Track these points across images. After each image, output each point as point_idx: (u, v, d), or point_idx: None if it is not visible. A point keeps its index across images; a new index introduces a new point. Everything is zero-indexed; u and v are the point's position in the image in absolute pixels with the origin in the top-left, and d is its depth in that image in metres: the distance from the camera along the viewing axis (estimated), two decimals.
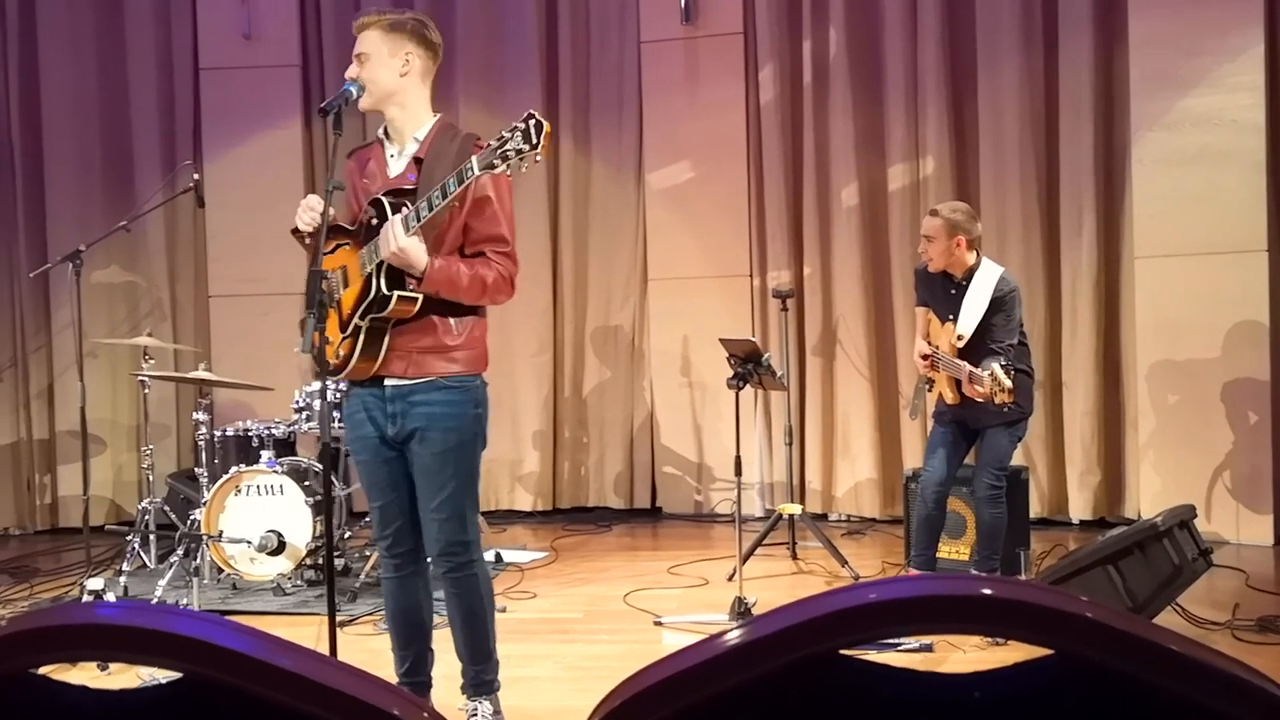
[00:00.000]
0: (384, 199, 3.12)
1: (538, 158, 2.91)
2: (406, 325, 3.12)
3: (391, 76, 3.17)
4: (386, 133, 3.28)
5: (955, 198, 6.41)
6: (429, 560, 3.31)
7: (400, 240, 2.99)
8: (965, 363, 4.37)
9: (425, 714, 0.90)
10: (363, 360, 3.13)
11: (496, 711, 3.34)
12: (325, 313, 3.02)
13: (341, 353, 3.15)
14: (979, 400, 4.34)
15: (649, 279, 6.99)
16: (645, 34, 6.92)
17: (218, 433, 5.45)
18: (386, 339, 3.12)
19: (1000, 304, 4.50)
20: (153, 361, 5.60)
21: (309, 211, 3.24)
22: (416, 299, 3.08)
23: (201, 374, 5.43)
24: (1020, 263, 6.21)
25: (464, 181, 2.93)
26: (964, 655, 3.95)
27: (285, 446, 5.46)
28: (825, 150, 6.71)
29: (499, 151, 2.88)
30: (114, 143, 7.16)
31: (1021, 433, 4.70)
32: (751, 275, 6.86)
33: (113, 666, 3.57)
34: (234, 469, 5.16)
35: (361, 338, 3.11)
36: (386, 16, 3.20)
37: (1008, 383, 4.17)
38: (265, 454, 5.21)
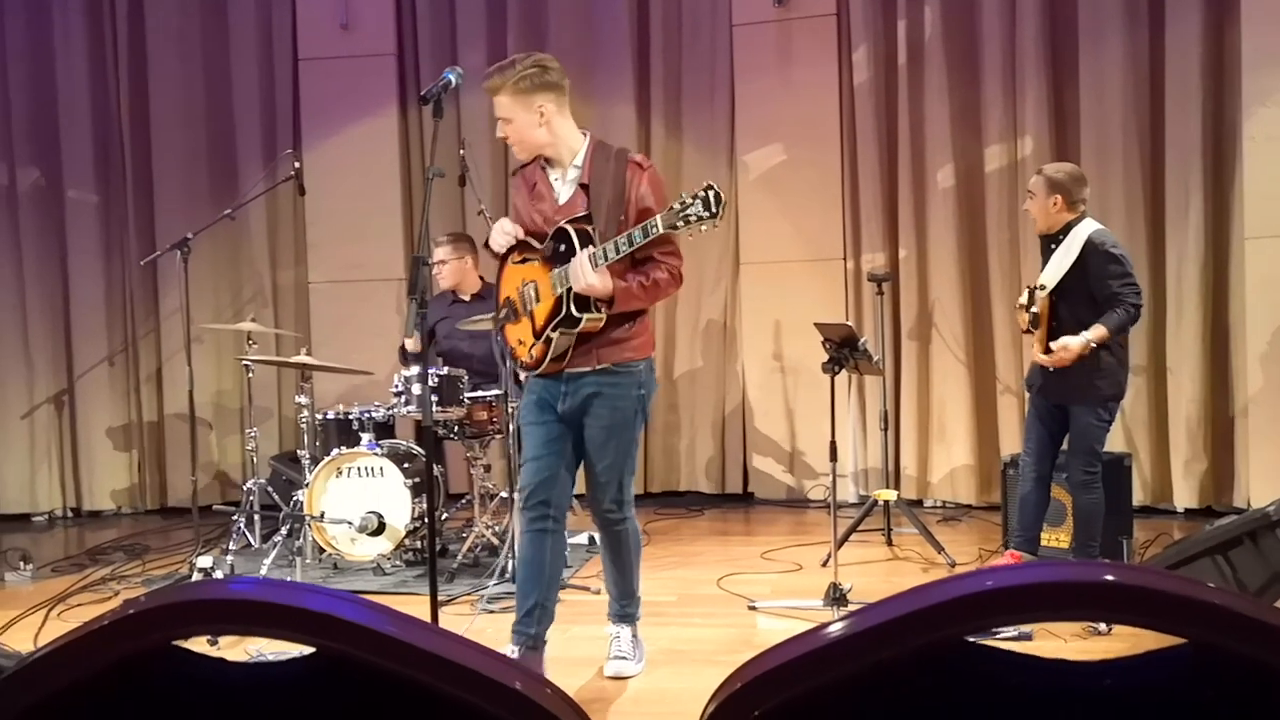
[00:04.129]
0: (569, 228, 3.50)
1: (716, 225, 3.36)
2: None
3: (534, 131, 3.56)
4: (548, 159, 3.66)
5: None
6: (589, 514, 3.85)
7: (589, 278, 3.43)
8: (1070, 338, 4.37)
9: (548, 690, 0.92)
10: (553, 363, 3.59)
11: (635, 637, 3.90)
12: (425, 299, 3.23)
13: (534, 354, 3.62)
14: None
15: (741, 263, 6.96)
16: (737, 17, 6.88)
17: (319, 416, 5.57)
18: (571, 343, 3.58)
19: (1096, 257, 4.38)
20: (256, 346, 5.75)
21: (503, 235, 3.66)
22: (602, 318, 3.54)
23: (304, 358, 5.56)
24: (1122, 245, 6.03)
25: (648, 236, 3.38)
26: (1064, 644, 3.88)
27: (385, 429, 5.57)
28: (920, 131, 6.61)
29: (681, 215, 3.32)
30: (218, 134, 7.35)
31: (1109, 413, 4.52)
32: (845, 259, 6.79)
33: (221, 641, 3.68)
34: (335, 451, 5.27)
35: (553, 346, 3.56)
36: (509, 79, 3.52)
37: (1069, 353, 4.31)
38: (365, 437, 5.31)
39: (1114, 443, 5.92)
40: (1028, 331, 4.61)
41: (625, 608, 3.90)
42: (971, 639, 0.88)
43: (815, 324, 4.85)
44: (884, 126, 6.70)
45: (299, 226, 7.34)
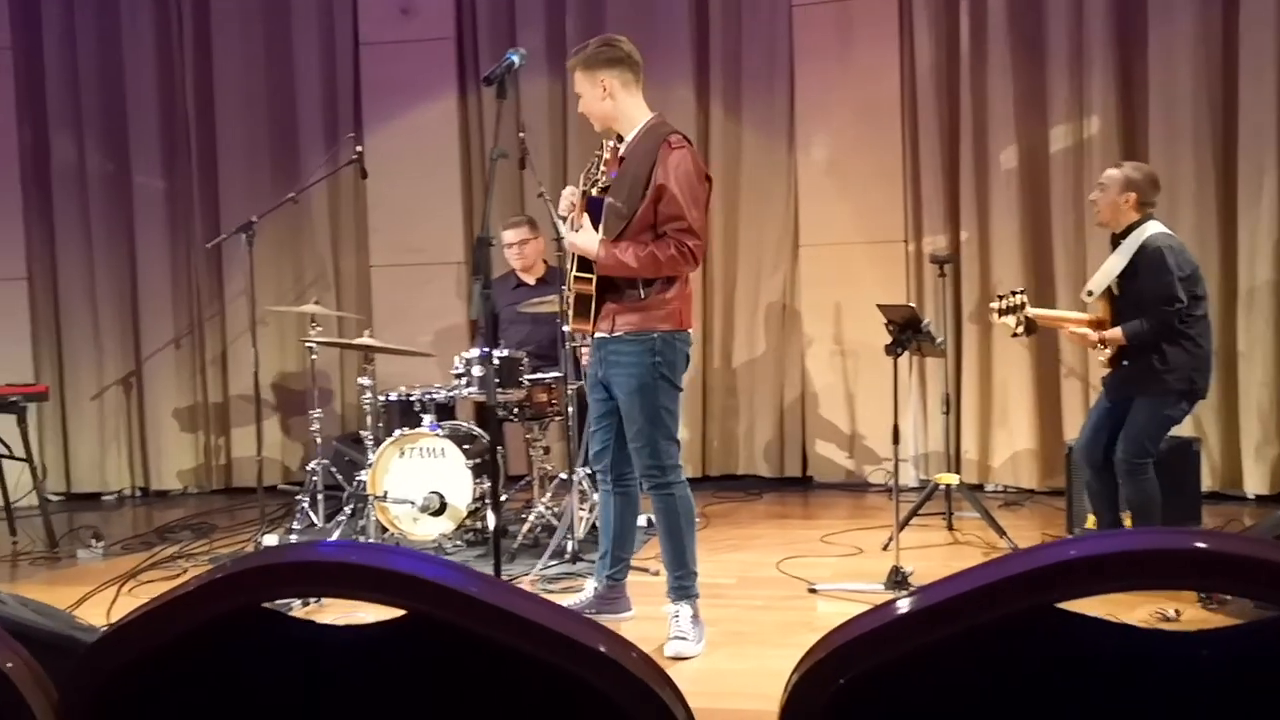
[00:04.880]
0: (593, 193, 3.85)
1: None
2: (610, 293, 3.84)
3: (599, 105, 3.85)
4: (618, 133, 3.93)
5: (1123, 158, 6.15)
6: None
7: (568, 237, 3.85)
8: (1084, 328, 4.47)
9: (632, 653, 0.92)
10: (576, 320, 3.93)
11: (695, 615, 3.93)
12: (489, 280, 3.32)
13: (568, 310, 4.01)
14: (1123, 362, 4.41)
15: (800, 245, 6.92)
16: None
17: (381, 397, 5.63)
18: (593, 303, 3.85)
19: (1145, 262, 4.33)
20: (319, 329, 5.81)
21: (564, 199, 3.96)
22: (589, 279, 3.82)
23: (367, 340, 5.61)
24: (1192, 226, 5.93)
25: (620, 211, 3.77)
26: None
27: (446, 410, 5.61)
28: (983, 111, 6.51)
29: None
30: (280, 118, 7.43)
31: (1174, 411, 4.43)
32: (906, 241, 6.73)
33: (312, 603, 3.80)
34: (397, 432, 5.33)
35: (570, 302, 3.93)
36: (580, 56, 3.87)
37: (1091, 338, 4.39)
38: (427, 418, 5.36)
39: (1182, 427, 5.79)
40: (1017, 335, 4.69)
41: (680, 580, 3.95)
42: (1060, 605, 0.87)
43: (878, 305, 4.82)
44: (946, 106, 6.61)
45: (360, 210, 7.41)
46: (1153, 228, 4.42)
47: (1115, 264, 4.41)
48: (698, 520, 5.90)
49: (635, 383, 3.81)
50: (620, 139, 3.90)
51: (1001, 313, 4.54)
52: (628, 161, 3.81)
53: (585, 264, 3.83)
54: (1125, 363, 4.43)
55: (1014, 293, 4.56)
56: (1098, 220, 4.61)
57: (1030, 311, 4.53)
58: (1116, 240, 4.52)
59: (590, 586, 4.28)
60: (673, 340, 3.84)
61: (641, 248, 3.74)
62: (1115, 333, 4.36)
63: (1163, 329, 4.31)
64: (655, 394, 3.81)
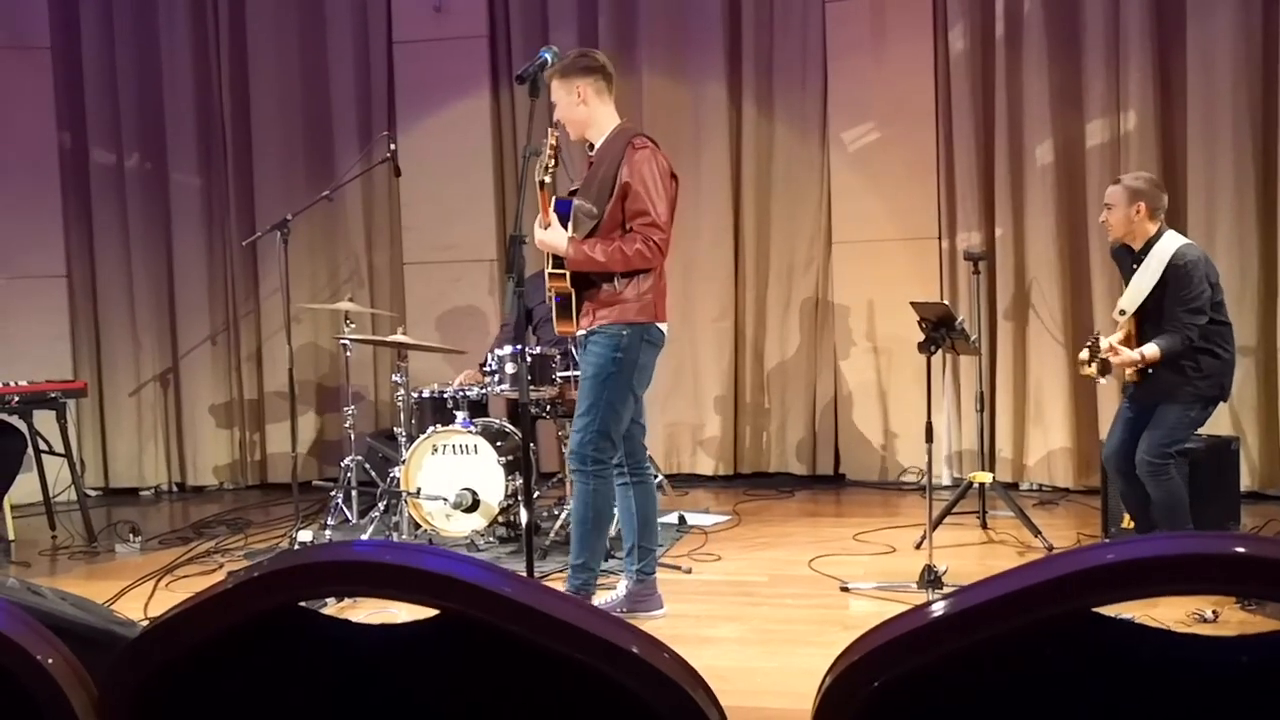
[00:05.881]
0: (545, 179, 3.91)
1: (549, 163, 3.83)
2: (587, 290, 4.00)
3: (574, 110, 4.05)
4: (590, 139, 4.13)
5: (1160, 154, 6.12)
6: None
7: (537, 235, 3.96)
8: (1123, 347, 4.35)
9: (665, 654, 0.92)
10: (560, 323, 4.09)
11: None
12: (522, 278, 3.45)
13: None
14: (1148, 372, 4.35)
15: (833, 242, 6.89)
16: None
17: (414, 394, 5.66)
18: (573, 303, 4.00)
19: (1176, 276, 4.28)
20: (353, 326, 5.85)
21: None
22: (563, 275, 3.98)
23: (400, 337, 5.64)
24: (1232, 224, 5.87)
25: (587, 210, 3.97)
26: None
27: (478, 408, 5.63)
28: (1018, 106, 6.46)
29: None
30: (315, 117, 7.48)
31: (1200, 416, 4.40)
32: (940, 237, 6.69)
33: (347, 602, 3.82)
34: (430, 429, 5.35)
35: (552, 305, 4.08)
36: (557, 66, 3.96)
37: (1134, 357, 4.28)
38: (460, 415, 5.38)
39: (1221, 426, 5.75)
40: (1100, 377, 4.49)
41: (576, 573, 4.09)
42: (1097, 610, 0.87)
43: (911, 303, 4.79)
44: (980, 102, 6.57)
45: (394, 208, 7.45)
46: (1175, 240, 4.40)
47: (1146, 282, 4.37)
48: (729, 518, 5.95)
49: (592, 370, 4.00)
50: (592, 146, 4.10)
51: (1089, 361, 4.45)
52: (596, 164, 4.02)
53: (560, 261, 4.00)
54: (1151, 371, 4.40)
55: (1095, 338, 4.47)
56: (1113, 238, 4.54)
57: (1105, 352, 4.42)
58: (1133, 255, 4.48)
59: (621, 585, 4.31)
60: (640, 335, 3.98)
61: (609, 243, 3.92)
62: (1153, 353, 4.29)
63: (1190, 341, 4.28)
64: (605, 386, 3.96)
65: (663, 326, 4.09)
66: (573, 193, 4.06)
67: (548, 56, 3.56)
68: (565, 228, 3.97)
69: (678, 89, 7.05)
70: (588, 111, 4.05)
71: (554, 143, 3.85)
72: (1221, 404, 4.52)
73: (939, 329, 4.55)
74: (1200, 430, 4.61)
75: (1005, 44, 6.46)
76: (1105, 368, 4.36)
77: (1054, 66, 6.34)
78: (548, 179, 3.87)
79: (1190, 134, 6.03)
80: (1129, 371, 4.46)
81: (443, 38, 7.23)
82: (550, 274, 4.03)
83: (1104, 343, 4.37)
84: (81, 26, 7.43)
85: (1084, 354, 4.41)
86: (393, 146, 5.94)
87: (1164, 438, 4.33)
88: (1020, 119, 6.45)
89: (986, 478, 5.50)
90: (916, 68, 6.63)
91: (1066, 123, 6.36)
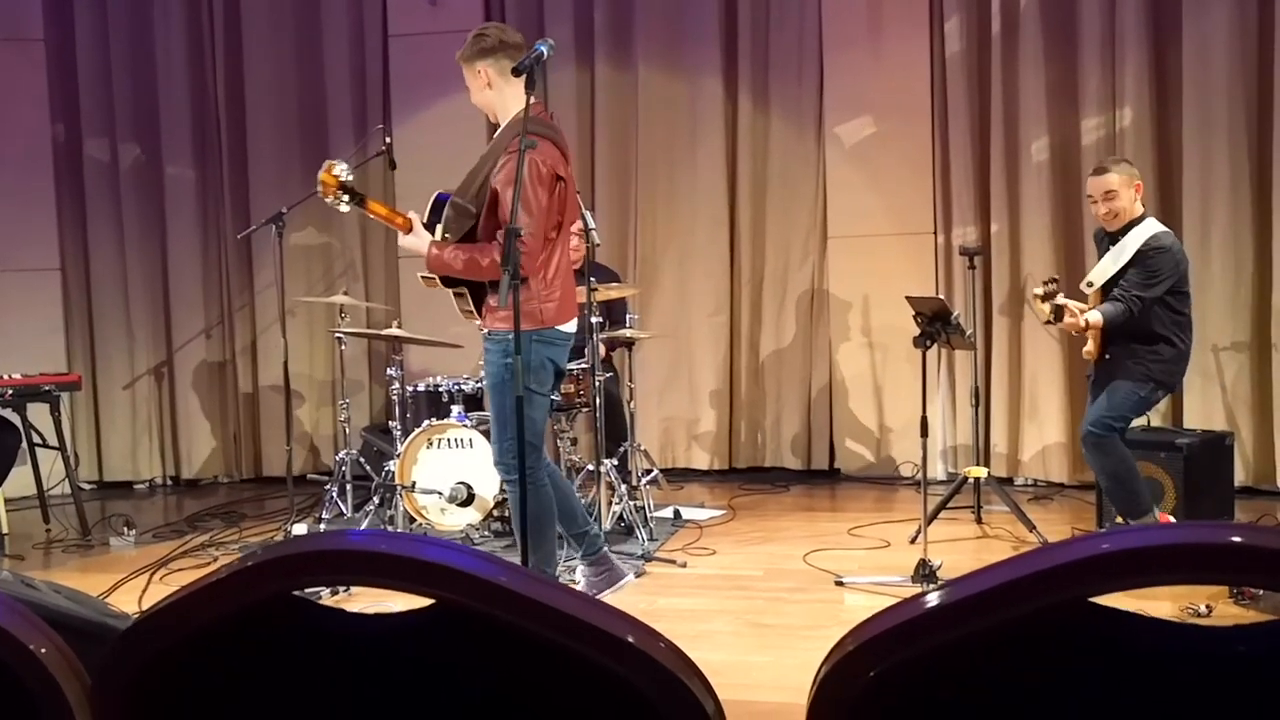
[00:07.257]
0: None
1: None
2: (483, 288, 3.94)
3: (483, 95, 3.95)
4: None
5: (1155, 150, 6.14)
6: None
7: (400, 240, 4.01)
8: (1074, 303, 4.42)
9: (660, 644, 0.92)
10: (464, 310, 4.04)
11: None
12: (518, 271, 3.38)
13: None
14: (1105, 356, 4.46)
15: (829, 237, 6.89)
16: None
17: (409, 388, 5.65)
18: (474, 300, 3.97)
19: (1144, 258, 4.37)
20: (348, 319, 5.84)
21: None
22: (431, 278, 3.99)
23: (395, 331, 5.63)
24: (1227, 219, 5.87)
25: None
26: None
27: (474, 402, 5.63)
28: (1014, 102, 6.46)
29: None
30: (310, 110, 7.46)
31: (1149, 397, 4.49)
32: (935, 233, 6.69)
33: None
34: (426, 423, 5.35)
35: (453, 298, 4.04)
36: (460, 51, 3.93)
37: (1079, 321, 4.32)
38: (455, 409, 5.38)
39: (1215, 421, 5.77)
40: (1049, 323, 4.54)
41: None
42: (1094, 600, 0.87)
43: (907, 298, 4.79)
44: (976, 97, 6.57)
45: (389, 201, 7.40)
46: (1153, 226, 4.47)
47: (1117, 259, 4.45)
48: (724, 513, 5.95)
49: (491, 380, 3.94)
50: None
51: (1044, 298, 4.47)
52: (481, 162, 3.91)
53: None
54: (1109, 356, 4.49)
55: (1054, 280, 4.53)
56: (1117, 225, 4.55)
57: (1062, 300, 4.48)
58: (1110, 236, 4.55)
59: (579, 575, 4.37)
60: (534, 340, 3.80)
61: (465, 251, 3.83)
62: (1097, 319, 4.36)
63: (1132, 314, 4.34)
64: (505, 393, 3.81)
65: (563, 327, 3.96)
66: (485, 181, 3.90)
67: (543, 50, 3.47)
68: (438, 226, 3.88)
69: (674, 83, 7.04)
70: (495, 94, 3.93)
71: (337, 178, 3.84)
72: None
73: (934, 324, 4.55)
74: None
75: (1001, 39, 6.45)
76: (1059, 314, 4.38)
77: (1050, 62, 6.34)
78: (345, 209, 3.90)
79: (1186, 130, 6.04)
80: (1086, 349, 4.54)
81: (438, 31, 7.20)
82: (421, 275, 4.01)
83: (1062, 299, 4.40)
84: (76, 19, 7.40)
85: (1039, 289, 4.45)
86: (388, 139, 5.90)
87: (1110, 410, 4.44)
88: (1016, 115, 6.45)
89: (981, 472, 5.51)
90: (913, 62, 6.63)
91: (1062, 119, 6.36)
